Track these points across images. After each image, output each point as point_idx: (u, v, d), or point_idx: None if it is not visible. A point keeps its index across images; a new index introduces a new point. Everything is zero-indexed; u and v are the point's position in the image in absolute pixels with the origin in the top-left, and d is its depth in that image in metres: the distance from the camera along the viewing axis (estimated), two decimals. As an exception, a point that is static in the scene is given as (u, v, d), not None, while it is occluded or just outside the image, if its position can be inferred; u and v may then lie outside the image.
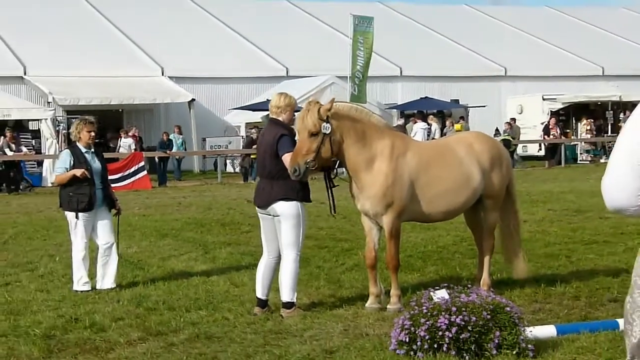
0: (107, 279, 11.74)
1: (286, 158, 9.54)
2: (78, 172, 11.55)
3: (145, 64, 44.72)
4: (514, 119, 42.22)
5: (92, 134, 11.86)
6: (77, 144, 11.83)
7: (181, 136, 38.58)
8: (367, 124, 9.95)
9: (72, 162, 11.70)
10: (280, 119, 9.85)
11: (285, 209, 9.66)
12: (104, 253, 11.80)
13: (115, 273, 11.86)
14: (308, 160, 9.55)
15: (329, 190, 10.06)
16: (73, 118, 36.67)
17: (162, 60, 44.85)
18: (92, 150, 11.96)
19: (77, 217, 11.61)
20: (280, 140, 9.62)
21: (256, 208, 10.13)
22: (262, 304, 10.00)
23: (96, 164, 11.83)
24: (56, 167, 11.92)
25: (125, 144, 36.66)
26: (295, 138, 9.86)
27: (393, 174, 9.84)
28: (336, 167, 10.08)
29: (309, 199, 9.87)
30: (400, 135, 11.35)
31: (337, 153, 9.93)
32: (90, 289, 11.56)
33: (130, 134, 37.51)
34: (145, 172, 32.91)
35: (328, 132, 9.61)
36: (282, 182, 9.64)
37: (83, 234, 11.66)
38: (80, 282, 11.62)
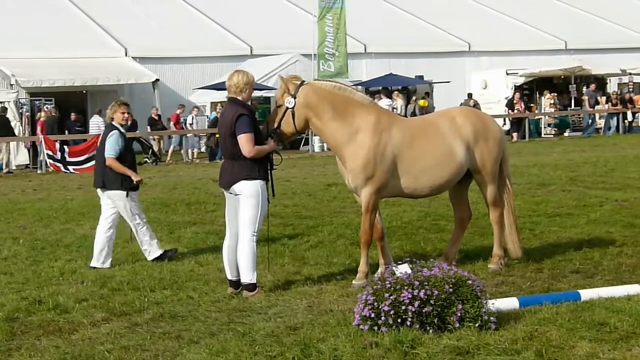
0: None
1: (242, 139, 9.51)
2: (136, 178, 12.12)
3: (109, 45, 44.38)
4: (470, 94, 42.33)
5: (125, 114, 12.23)
6: (113, 123, 12.17)
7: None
8: (350, 100, 10.03)
9: (122, 143, 12.07)
10: (239, 98, 9.78)
11: (246, 188, 9.61)
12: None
13: None
14: (274, 128, 9.90)
15: (270, 173, 10.01)
16: (36, 100, 36.71)
17: (126, 40, 44.54)
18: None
19: (127, 195, 12.11)
20: (238, 120, 9.54)
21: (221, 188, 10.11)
22: (234, 285, 9.88)
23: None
24: (110, 148, 12.05)
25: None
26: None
27: (375, 147, 9.89)
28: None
29: (266, 177, 9.82)
30: (386, 111, 11.44)
31: (302, 129, 10.19)
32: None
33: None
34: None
35: (291, 106, 9.85)
36: (243, 162, 9.59)
37: (135, 209, 12.23)
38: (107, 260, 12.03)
